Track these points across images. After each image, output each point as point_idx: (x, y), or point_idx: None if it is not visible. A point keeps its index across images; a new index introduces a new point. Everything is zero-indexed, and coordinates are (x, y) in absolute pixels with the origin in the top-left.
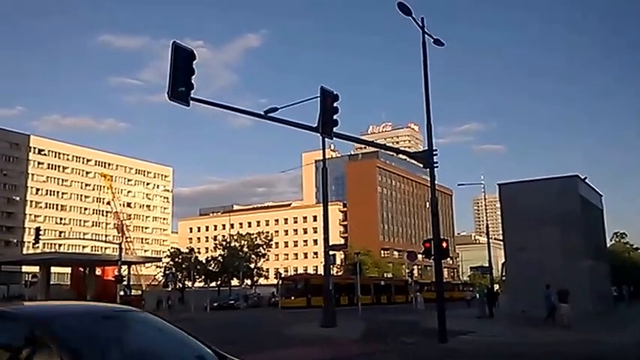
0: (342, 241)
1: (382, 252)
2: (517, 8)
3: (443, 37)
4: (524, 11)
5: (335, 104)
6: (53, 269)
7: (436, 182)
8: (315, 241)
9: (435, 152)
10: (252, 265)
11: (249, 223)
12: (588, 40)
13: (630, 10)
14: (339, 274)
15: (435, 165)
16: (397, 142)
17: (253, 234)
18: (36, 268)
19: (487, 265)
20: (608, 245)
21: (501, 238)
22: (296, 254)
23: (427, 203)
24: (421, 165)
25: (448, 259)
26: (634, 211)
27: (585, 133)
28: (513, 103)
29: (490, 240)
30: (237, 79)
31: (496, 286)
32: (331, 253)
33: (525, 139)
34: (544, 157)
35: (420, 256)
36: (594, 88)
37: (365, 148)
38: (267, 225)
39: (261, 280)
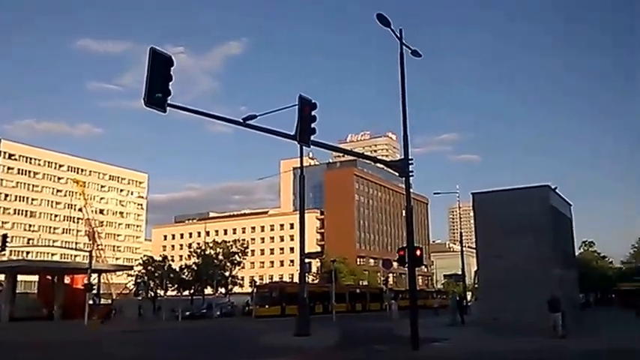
0: (319, 249)
1: (358, 260)
2: (497, 22)
3: (423, 46)
4: (504, 26)
5: (313, 113)
6: (19, 277)
7: (412, 191)
8: (292, 249)
9: (410, 161)
10: (227, 274)
11: (225, 231)
12: (560, 53)
13: (603, 20)
14: (315, 282)
15: (411, 174)
16: (375, 151)
17: (229, 242)
18: (1, 277)
19: (460, 272)
20: (577, 253)
21: (475, 246)
22: (272, 262)
23: (404, 211)
24: (397, 174)
25: (423, 267)
26: (602, 221)
27: (557, 143)
28: (489, 114)
29: (464, 248)
30: (218, 86)
31: (469, 294)
32: (307, 260)
33: (500, 150)
34: (517, 167)
35: (395, 264)
36: (565, 99)
37: (343, 156)
38: (244, 232)
39: (236, 289)
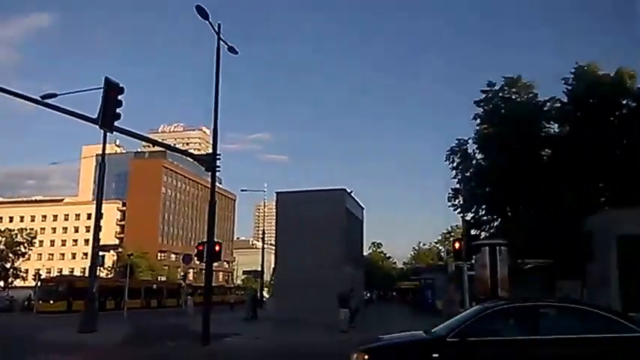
0: (117, 242)
1: (160, 254)
2: (317, 30)
3: (241, 45)
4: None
5: (120, 97)
6: None
7: (221, 187)
8: (87, 241)
9: (218, 156)
10: (9, 265)
11: (12, 218)
12: (375, 55)
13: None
14: (110, 276)
15: (218, 169)
16: (188, 144)
17: (14, 230)
18: None
19: (259, 269)
20: (365, 253)
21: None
22: (63, 254)
23: None
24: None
25: (224, 262)
26: (392, 224)
27: (356, 147)
28: (299, 117)
29: (267, 246)
30: (21, 59)
31: (265, 290)
32: (101, 253)
33: (307, 152)
34: (322, 170)
35: (196, 259)
36: (375, 105)
37: (153, 146)
38: (33, 221)
39: (19, 282)
